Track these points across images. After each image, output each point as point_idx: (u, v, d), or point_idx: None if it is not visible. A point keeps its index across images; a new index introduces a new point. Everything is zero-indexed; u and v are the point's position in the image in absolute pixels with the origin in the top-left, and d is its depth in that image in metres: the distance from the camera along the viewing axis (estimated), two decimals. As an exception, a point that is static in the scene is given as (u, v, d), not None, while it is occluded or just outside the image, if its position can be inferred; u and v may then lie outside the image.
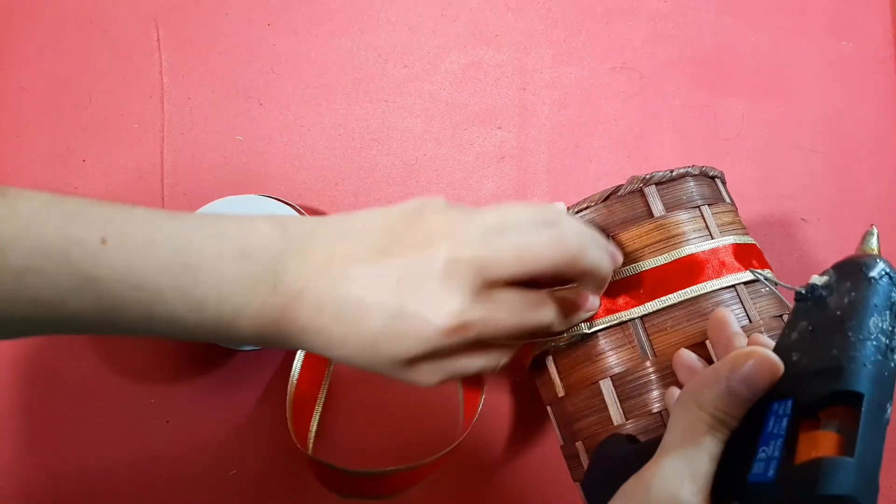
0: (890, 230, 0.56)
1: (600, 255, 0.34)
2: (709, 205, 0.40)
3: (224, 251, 0.30)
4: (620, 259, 0.36)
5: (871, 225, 0.32)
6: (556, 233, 0.32)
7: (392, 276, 0.30)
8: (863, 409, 0.25)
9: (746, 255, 0.40)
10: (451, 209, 0.33)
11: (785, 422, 0.27)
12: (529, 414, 0.51)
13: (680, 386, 0.36)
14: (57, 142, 0.54)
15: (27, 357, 0.49)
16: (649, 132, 0.57)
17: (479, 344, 0.33)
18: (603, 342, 0.39)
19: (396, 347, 0.31)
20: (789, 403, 0.27)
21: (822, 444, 0.25)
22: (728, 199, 0.42)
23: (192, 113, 0.55)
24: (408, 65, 0.57)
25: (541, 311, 0.34)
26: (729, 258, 0.39)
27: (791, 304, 0.36)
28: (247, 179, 0.54)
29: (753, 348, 0.29)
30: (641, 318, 0.38)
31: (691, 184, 0.40)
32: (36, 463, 0.48)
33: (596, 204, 0.40)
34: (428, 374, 0.32)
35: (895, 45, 0.61)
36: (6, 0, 0.56)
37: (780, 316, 0.39)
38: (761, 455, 0.27)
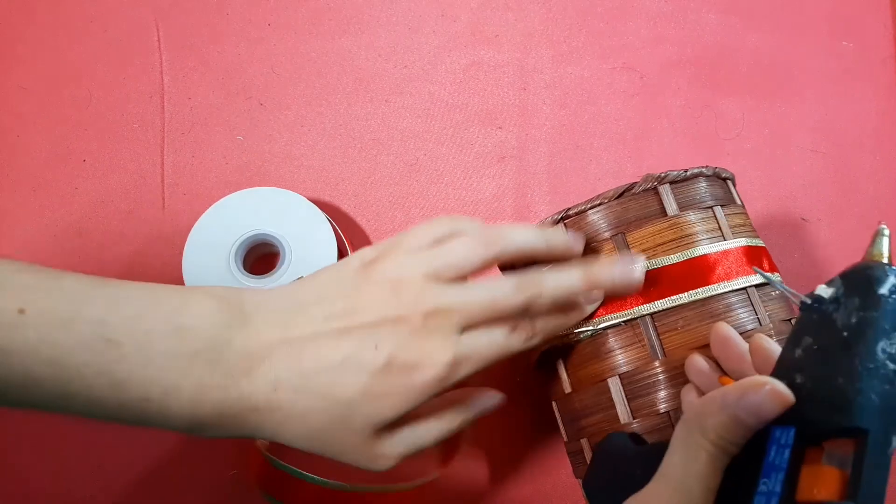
0: (890, 230, 0.56)
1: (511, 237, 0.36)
2: (721, 206, 0.40)
3: (154, 327, 0.27)
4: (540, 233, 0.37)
5: (881, 223, 0.31)
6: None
7: (369, 341, 0.31)
8: (868, 445, 0.25)
9: (757, 258, 0.39)
10: (409, 257, 0.33)
11: (787, 453, 0.26)
12: (531, 411, 0.51)
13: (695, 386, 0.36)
14: (57, 142, 0.54)
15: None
16: (649, 132, 0.57)
17: (444, 403, 0.34)
18: (612, 340, 0.39)
19: (376, 409, 0.31)
20: (792, 433, 0.26)
21: (824, 482, 0.25)
22: (739, 202, 0.42)
23: (192, 113, 0.55)
24: (408, 65, 0.57)
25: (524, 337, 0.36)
26: (740, 260, 0.39)
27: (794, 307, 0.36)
28: (247, 179, 0.54)
29: (766, 379, 0.28)
30: (652, 316, 0.38)
31: (704, 184, 0.40)
32: (35, 463, 0.48)
33: (610, 200, 0.40)
34: (391, 447, 0.32)
35: (895, 45, 0.61)
36: (6, 0, 0.56)
37: (790, 320, 0.39)
38: (762, 488, 0.26)
